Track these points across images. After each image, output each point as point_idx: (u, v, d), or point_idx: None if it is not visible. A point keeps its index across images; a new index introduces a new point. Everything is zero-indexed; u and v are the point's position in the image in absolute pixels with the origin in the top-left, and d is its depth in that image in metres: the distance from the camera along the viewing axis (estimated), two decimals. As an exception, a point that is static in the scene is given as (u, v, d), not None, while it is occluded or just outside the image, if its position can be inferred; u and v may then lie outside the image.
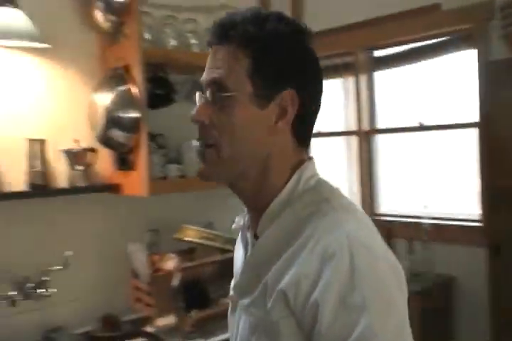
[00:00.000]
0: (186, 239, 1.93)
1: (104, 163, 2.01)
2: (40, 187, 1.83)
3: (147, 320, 1.89)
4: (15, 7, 1.71)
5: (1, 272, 1.72)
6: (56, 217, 1.91)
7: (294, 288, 0.78)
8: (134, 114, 1.91)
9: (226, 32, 0.85)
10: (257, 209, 0.89)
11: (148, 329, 1.85)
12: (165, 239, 2.09)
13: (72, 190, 1.90)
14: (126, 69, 1.94)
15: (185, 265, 1.81)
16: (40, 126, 1.88)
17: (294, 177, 0.88)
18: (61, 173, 1.91)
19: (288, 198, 0.87)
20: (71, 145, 1.91)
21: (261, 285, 0.84)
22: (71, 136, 1.92)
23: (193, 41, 2.16)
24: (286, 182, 0.88)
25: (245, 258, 0.93)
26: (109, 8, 1.93)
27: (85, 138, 1.94)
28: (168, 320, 1.78)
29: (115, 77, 1.95)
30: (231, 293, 0.97)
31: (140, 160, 1.91)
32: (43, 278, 1.77)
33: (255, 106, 0.85)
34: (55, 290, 1.78)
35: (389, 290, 0.79)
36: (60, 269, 1.79)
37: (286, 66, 0.86)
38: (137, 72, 1.91)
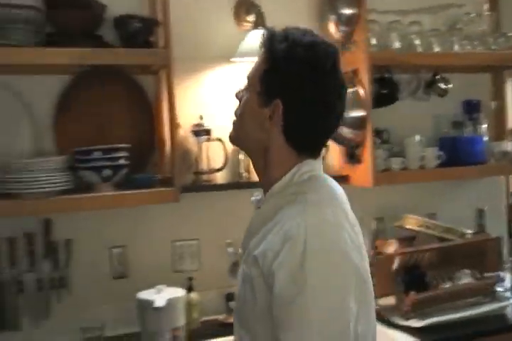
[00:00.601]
0: (407, 226, 2.10)
1: (335, 156, 2.28)
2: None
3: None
4: (264, 28, 2.06)
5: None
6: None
7: (262, 257, 0.99)
8: (360, 113, 2.13)
9: (266, 41, 1.07)
10: (265, 190, 1.11)
11: (372, 306, 2.07)
12: (389, 227, 2.29)
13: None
14: (355, 72, 2.17)
15: (404, 250, 1.99)
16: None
17: (292, 170, 1.07)
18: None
19: (284, 186, 1.07)
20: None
21: (247, 249, 1.07)
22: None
23: (417, 42, 2.29)
24: (285, 174, 1.06)
25: None
26: (341, 20, 2.18)
27: (318, 135, 2.23)
28: (388, 300, 1.97)
29: (347, 81, 2.20)
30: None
31: (366, 154, 2.13)
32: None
33: (257, 103, 1.06)
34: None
35: (333, 277, 0.95)
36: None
37: (283, 82, 1.03)
38: (364, 75, 2.12)
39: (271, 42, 1.06)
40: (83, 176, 1.78)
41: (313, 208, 1.02)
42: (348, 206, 1.13)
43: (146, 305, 1.69)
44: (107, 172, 1.76)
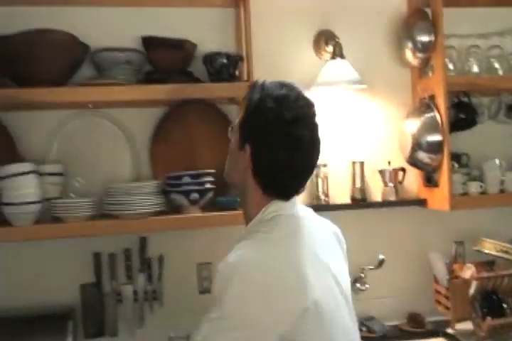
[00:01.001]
0: (485, 251, 2.10)
1: (412, 180, 2.33)
2: (359, 201, 2.26)
3: (447, 322, 2.13)
4: (342, 58, 2.18)
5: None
6: (371, 226, 2.31)
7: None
8: (437, 138, 2.17)
9: (247, 92, 1.22)
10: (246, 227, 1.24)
11: (449, 330, 2.09)
12: (468, 251, 2.30)
13: (385, 204, 2.27)
14: (432, 98, 2.22)
15: (481, 275, 2.00)
16: (361, 150, 2.31)
17: (262, 210, 1.19)
18: (376, 189, 2.30)
19: (253, 224, 1.20)
20: (385, 166, 2.29)
21: None
22: (385, 157, 2.30)
23: (496, 65, 2.30)
24: (257, 214, 1.20)
25: None
26: (418, 47, 2.24)
27: (396, 160, 2.29)
28: (465, 324, 1.99)
29: (423, 106, 2.26)
30: None
31: (443, 178, 2.17)
32: (360, 275, 2.20)
33: (237, 146, 1.20)
34: (368, 286, 2.19)
35: (245, 314, 1.04)
36: (372, 269, 2.19)
37: (251, 130, 1.17)
38: (441, 100, 2.16)
39: (250, 92, 1.20)
40: (174, 199, 1.96)
41: (258, 244, 1.14)
42: (326, 243, 1.24)
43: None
44: (195, 195, 1.93)
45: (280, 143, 1.15)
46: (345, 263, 1.30)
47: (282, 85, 1.19)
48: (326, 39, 2.23)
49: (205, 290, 2.18)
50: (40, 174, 1.89)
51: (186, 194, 1.93)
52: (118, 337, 2.10)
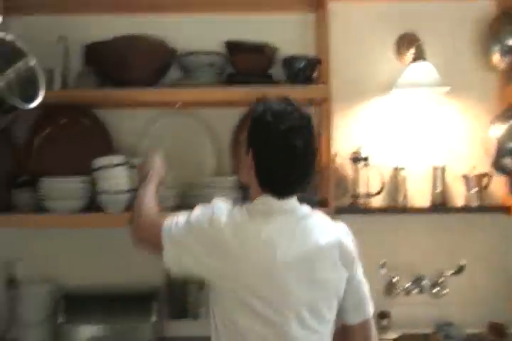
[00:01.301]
0: None
1: (497, 186, 2.25)
2: (440, 205, 2.22)
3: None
4: (424, 61, 2.18)
5: (406, 270, 2.20)
6: (452, 230, 2.26)
7: None
8: (523, 144, 2.10)
9: (252, 104, 1.42)
10: None
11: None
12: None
13: (467, 209, 2.21)
14: (520, 102, 2.15)
15: None
16: (443, 155, 2.28)
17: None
18: (458, 194, 2.25)
19: None
20: (468, 171, 2.24)
21: None
22: (468, 162, 2.25)
23: None
24: None
25: None
26: (505, 51, 2.19)
27: (481, 165, 2.23)
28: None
29: (509, 110, 2.19)
30: None
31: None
32: (438, 280, 2.16)
33: (245, 151, 1.39)
34: (448, 290, 2.15)
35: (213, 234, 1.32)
36: (453, 274, 2.15)
37: (254, 139, 1.37)
38: (528, 105, 2.09)
39: (255, 106, 1.40)
40: (251, 195, 2.06)
41: (234, 211, 1.37)
42: (299, 238, 1.35)
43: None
44: (273, 194, 2.01)
45: (276, 150, 1.34)
46: (333, 267, 1.38)
47: (282, 100, 1.39)
48: (408, 42, 2.24)
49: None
50: (131, 166, 2.07)
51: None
52: (199, 321, 2.19)
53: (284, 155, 1.34)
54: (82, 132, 2.17)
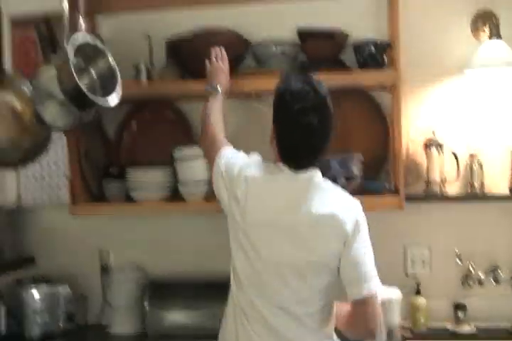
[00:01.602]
0: None
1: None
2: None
3: None
4: (498, 38, 2.08)
5: (483, 260, 2.14)
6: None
7: None
8: None
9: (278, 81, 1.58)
10: None
11: None
12: None
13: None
14: None
15: None
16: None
17: None
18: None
19: None
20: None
21: None
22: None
23: None
24: None
25: None
26: None
27: None
28: None
29: None
30: None
31: None
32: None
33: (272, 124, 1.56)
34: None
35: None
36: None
37: (275, 117, 1.54)
38: None
39: (278, 83, 1.55)
40: (324, 182, 2.07)
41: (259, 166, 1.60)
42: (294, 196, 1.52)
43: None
44: (342, 181, 2.02)
45: (291, 127, 1.50)
46: (323, 238, 1.49)
47: (302, 80, 1.52)
48: (484, 19, 2.14)
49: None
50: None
51: (334, 179, 2.02)
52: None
53: (299, 132, 1.49)
54: (166, 125, 2.31)
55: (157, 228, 2.33)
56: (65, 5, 1.77)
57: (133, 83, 2.12)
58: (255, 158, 1.64)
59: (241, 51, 2.17)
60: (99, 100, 1.69)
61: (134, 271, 2.28)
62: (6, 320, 2.13)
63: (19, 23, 2.29)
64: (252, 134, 2.20)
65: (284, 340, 1.50)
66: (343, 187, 2.00)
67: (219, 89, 1.88)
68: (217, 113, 1.83)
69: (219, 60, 1.97)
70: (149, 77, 2.19)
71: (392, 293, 1.94)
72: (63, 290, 2.23)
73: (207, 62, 1.97)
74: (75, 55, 1.60)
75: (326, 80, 1.94)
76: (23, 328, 2.18)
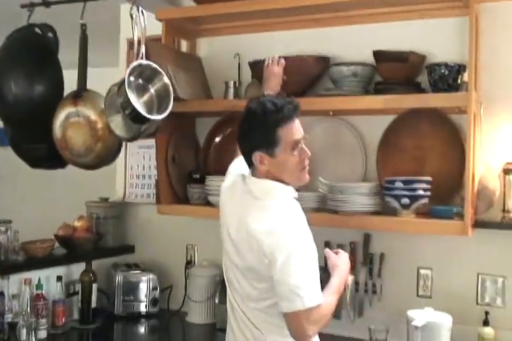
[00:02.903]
0: None
1: None
2: None
3: None
4: None
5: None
6: None
7: None
8: None
9: (298, 107, 1.61)
10: None
11: None
12: None
13: None
14: None
15: None
16: None
17: None
18: None
19: None
20: None
21: None
22: None
23: None
24: None
25: None
26: None
27: None
28: None
29: None
30: None
31: None
32: None
33: None
34: None
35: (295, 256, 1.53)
36: None
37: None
38: None
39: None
40: (388, 202, 2.09)
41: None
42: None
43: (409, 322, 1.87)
44: (405, 200, 2.02)
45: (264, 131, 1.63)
46: (250, 252, 1.59)
47: (277, 96, 1.67)
48: None
49: (424, 295, 2.22)
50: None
51: (397, 198, 2.04)
52: (340, 321, 2.32)
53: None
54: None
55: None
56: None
57: (220, 100, 2.38)
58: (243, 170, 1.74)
59: (316, 71, 2.25)
60: (148, 115, 1.93)
61: (213, 267, 2.49)
62: (96, 297, 2.47)
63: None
64: (328, 152, 2.32)
65: (241, 333, 1.67)
66: (407, 207, 2.03)
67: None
68: None
69: (274, 65, 2.08)
70: (236, 94, 2.39)
71: (442, 319, 1.91)
72: (151, 277, 2.54)
73: (265, 65, 2.11)
74: (138, 76, 1.83)
75: (393, 103, 2.00)
76: (113, 306, 2.52)
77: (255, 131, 1.60)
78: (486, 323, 2.05)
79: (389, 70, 2.09)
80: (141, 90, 1.96)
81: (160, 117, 1.96)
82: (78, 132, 2.20)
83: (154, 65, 2.02)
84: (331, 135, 2.35)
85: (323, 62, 2.24)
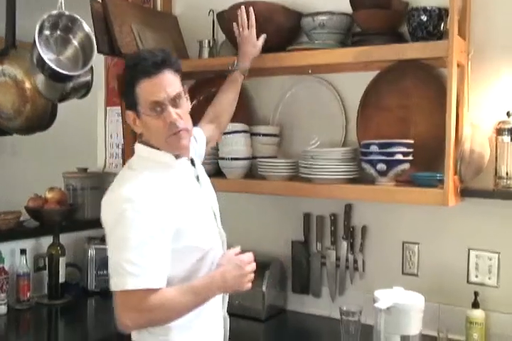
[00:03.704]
0: None
1: None
2: None
3: None
4: None
5: None
6: None
7: None
8: None
9: (165, 63, 1.39)
10: None
11: None
12: None
13: None
14: None
15: None
16: None
17: None
18: None
19: None
20: None
21: None
22: None
23: None
24: None
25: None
26: None
27: None
28: None
29: None
30: None
31: None
32: None
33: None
34: None
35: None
36: None
37: None
38: None
39: (172, 60, 1.45)
40: (364, 168, 1.87)
41: None
42: None
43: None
44: (381, 166, 1.79)
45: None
46: None
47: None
48: None
49: (409, 272, 2.01)
50: (254, 134, 2.09)
51: (373, 163, 1.82)
52: (320, 299, 2.18)
53: None
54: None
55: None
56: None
57: (193, 60, 2.20)
58: None
59: (287, 23, 2.01)
60: (64, 71, 1.75)
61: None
62: (68, 272, 2.35)
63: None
64: (305, 111, 2.12)
65: None
66: (383, 173, 1.80)
67: (235, 66, 1.88)
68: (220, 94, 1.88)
69: (245, 29, 1.89)
70: (211, 53, 2.19)
71: (413, 300, 1.68)
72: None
73: (236, 32, 1.91)
74: (55, 28, 1.65)
75: (370, 54, 1.76)
76: (86, 282, 2.41)
77: (122, 86, 1.48)
78: (475, 305, 1.82)
79: (367, 19, 1.83)
80: (63, 43, 1.77)
81: (79, 72, 1.78)
82: (5, 92, 2.04)
83: (68, 13, 1.83)
84: (310, 96, 2.13)
85: (294, 14, 2.01)
